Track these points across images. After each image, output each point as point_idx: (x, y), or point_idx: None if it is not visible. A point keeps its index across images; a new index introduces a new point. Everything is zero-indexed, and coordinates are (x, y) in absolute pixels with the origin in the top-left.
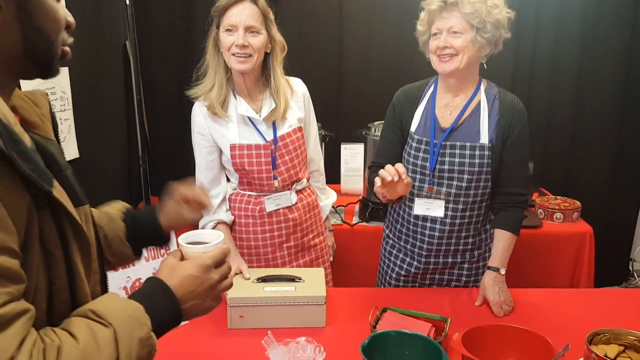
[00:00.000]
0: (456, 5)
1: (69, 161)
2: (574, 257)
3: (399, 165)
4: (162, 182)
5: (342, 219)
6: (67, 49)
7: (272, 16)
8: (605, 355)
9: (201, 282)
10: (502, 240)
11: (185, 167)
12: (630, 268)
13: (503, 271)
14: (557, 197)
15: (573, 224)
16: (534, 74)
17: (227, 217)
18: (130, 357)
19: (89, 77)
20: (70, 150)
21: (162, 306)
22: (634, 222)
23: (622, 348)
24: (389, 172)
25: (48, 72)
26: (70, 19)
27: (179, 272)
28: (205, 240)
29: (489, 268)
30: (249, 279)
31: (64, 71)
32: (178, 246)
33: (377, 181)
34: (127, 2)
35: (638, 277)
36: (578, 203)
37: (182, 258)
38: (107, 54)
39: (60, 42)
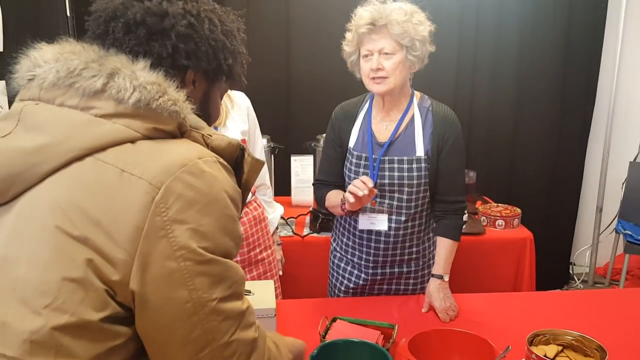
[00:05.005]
0: (385, 26)
1: None
2: (515, 262)
3: (364, 178)
4: None
5: (293, 231)
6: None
7: None
8: (545, 355)
9: None
10: (443, 248)
11: None
12: (571, 272)
13: (446, 278)
14: (499, 204)
15: (514, 230)
16: (475, 88)
17: None
18: None
19: None
20: None
21: None
22: (572, 228)
23: (560, 348)
24: (358, 187)
25: None
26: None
27: None
28: None
29: (433, 275)
30: None
31: (1, 84)
32: None
33: (350, 198)
34: None
35: (578, 280)
36: (518, 210)
37: None
38: None
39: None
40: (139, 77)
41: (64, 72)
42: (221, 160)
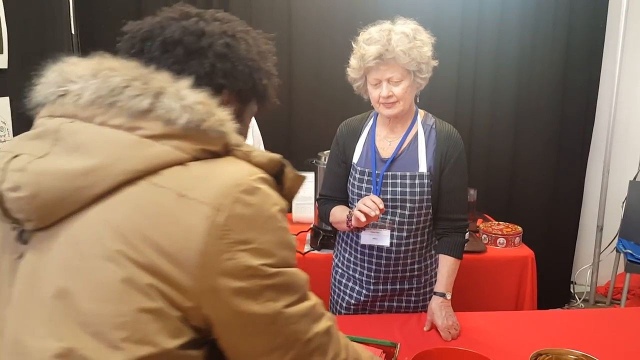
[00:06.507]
0: (393, 59)
1: None
2: (517, 280)
3: (374, 197)
4: None
5: None
6: None
7: None
8: None
9: None
10: (445, 266)
11: None
12: (572, 290)
13: (449, 296)
14: (500, 222)
15: (515, 249)
16: (475, 105)
17: None
18: None
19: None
20: None
21: None
22: (572, 247)
23: None
24: (370, 207)
25: None
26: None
27: None
28: None
29: (435, 293)
30: None
31: (5, 100)
32: None
33: (362, 217)
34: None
35: (579, 299)
36: (519, 228)
37: None
38: None
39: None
40: (184, 97)
41: (104, 90)
42: (265, 175)
